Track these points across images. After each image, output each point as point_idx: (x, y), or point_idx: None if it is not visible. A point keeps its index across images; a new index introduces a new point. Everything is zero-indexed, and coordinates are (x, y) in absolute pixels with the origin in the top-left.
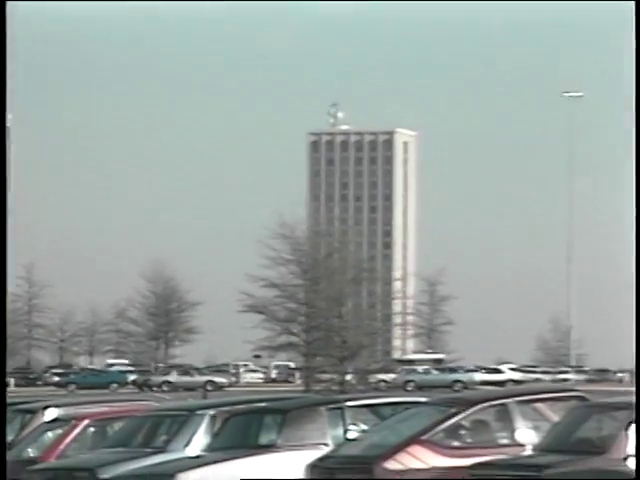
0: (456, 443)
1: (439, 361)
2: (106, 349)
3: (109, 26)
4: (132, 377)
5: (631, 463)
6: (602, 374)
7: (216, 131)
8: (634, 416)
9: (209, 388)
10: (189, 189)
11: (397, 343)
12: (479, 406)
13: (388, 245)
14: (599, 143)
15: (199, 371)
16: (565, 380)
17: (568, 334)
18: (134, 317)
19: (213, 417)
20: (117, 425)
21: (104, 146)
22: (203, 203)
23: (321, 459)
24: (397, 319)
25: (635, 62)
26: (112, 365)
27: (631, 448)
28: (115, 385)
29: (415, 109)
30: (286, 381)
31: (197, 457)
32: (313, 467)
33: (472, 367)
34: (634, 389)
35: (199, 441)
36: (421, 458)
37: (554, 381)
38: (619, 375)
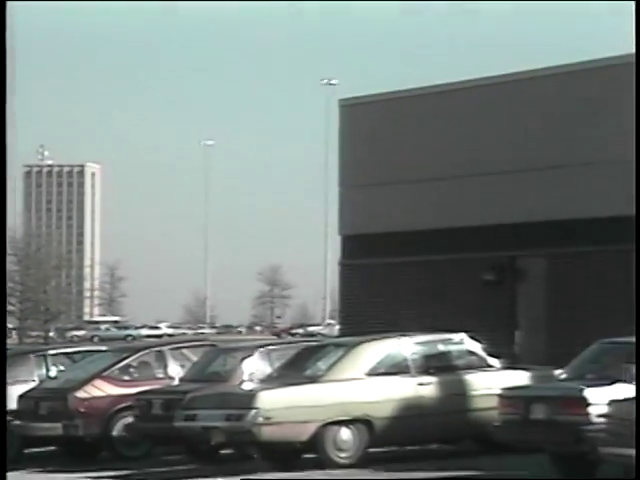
0: (126, 377)
1: (116, 322)
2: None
3: (108, 26)
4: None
5: (246, 386)
6: (227, 328)
7: None
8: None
9: None
10: None
11: (87, 310)
12: (143, 352)
13: (81, 242)
14: None
15: None
16: (202, 333)
17: (204, 301)
18: None
19: None
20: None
21: None
22: None
23: (29, 391)
24: (87, 293)
25: (635, 62)
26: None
27: (245, 377)
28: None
29: (101, 146)
30: None
31: None
32: (22, 397)
33: (139, 325)
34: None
35: None
36: (102, 388)
37: (195, 334)
38: (239, 329)
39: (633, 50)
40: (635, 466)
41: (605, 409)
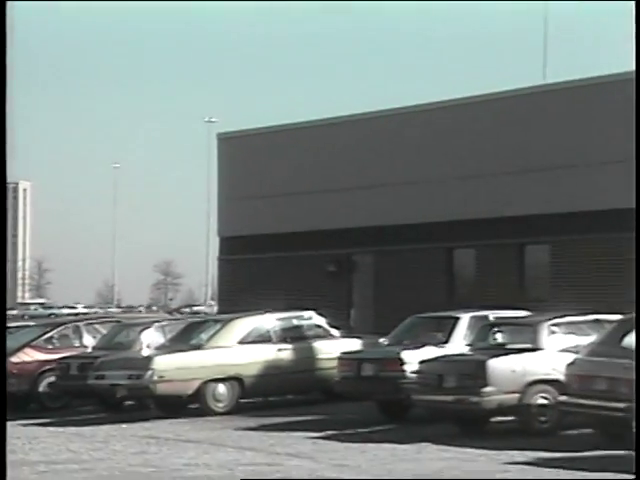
0: (50, 346)
1: (42, 303)
2: None
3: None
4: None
5: (144, 352)
6: (130, 308)
7: None
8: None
9: None
10: None
11: (19, 294)
12: (63, 326)
13: (15, 243)
14: None
15: None
16: (110, 312)
17: (112, 287)
18: None
19: None
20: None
21: None
22: None
23: None
24: (20, 282)
25: (635, 62)
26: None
27: (144, 345)
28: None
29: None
30: None
31: None
32: None
33: (60, 305)
34: None
35: None
36: (30, 355)
37: (104, 312)
38: (139, 309)
39: (633, 50)
40: (635, 466)
41: (416, 367)
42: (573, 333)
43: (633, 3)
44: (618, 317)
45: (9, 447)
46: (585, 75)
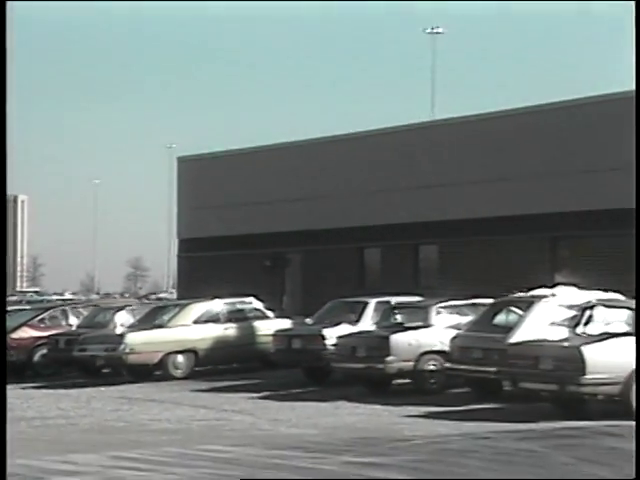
0: (42, 325)
1: (37, 292)
2: None
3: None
4: None
5: (118, 330)
6: (107, 295)
7: None
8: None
9: None
10: None
11: (18, 284)
12: (53, 310)
13: (15, 244)
14: None
15: None
16: (91, 298)
17: (93, 278)
18: None
19: None
20: None
21: None
22: None
23: None
24: (19, 274)
25: (635, 62)
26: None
27: (118, 325)
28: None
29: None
30: None
31: None
32: None
33: (51, 293)
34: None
35: None
36: (27, 332)
37: (86, 299)
38: (114, 296)
39: (633, 50)
40: (635, 466)
41: (334, 341)
42: (456, 314)
43: (633, 3)
44: (490, 301)
45: (9, 406)
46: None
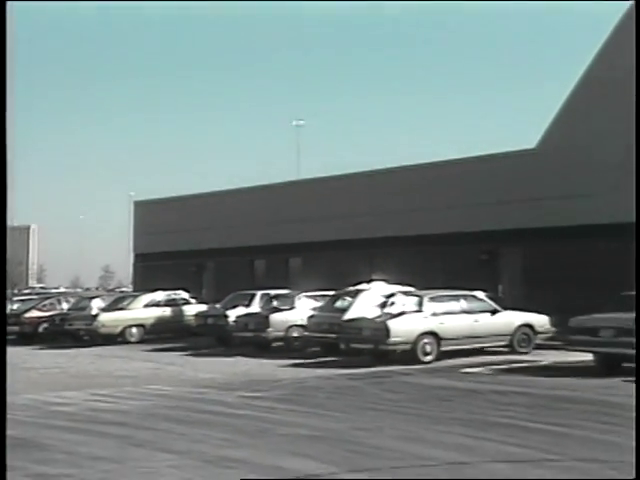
0: (45, 308)
1: (42, 287)
2: None
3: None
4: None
5: (93, 312)
6: (88, 289)
7: None
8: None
9: None
10: None
11: (30, 282)
12: (52, 298)
13: (28, 259)
14: None
15: None
16: (76, 291)
17: (79, 278)
18: None
19: None
20: None
21: None
22: None
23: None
24: (30, 276)
25: (635, 62)
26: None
27: (94, 308)
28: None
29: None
30: None
31: None
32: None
33: (51, 287)
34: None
35: None
36: (34, 313)
37: (74, 291)
38: (92, 289)
39: (633, 50)
40: (635, 466)
41: (234, 318)
42: (312, 300)
43: (633, 3)
44: (332, 292)
45: (21, 359)
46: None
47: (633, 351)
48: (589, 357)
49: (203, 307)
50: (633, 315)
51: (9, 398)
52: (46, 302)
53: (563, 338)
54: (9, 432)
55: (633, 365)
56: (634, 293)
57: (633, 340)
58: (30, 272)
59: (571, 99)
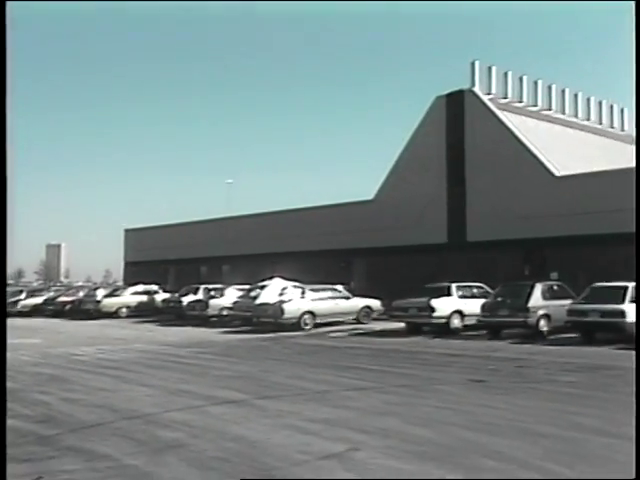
0: (69, 295)
1: (69, 282)
2: None
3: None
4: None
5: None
6: (95, 284)
7: None
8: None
9: None
10: None
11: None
12: (73, 289)
13: (59, 270)
14: None
15: None
16: (75, 287)
17: (90, 277)
18: None
19: None
20: None
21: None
22: None
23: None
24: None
25: (635, 62)
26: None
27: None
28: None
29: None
30: None
31: None
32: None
33: (75, 282)
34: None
35: None
36: (63, 298)
37: (89, 287)
38: (97, 284)
39: (633, 50)
40: (635, 466)
41: (187, 303)
42: (238, 291)
43: (633, 3)
44: (248, 286)
45: (55, 328)
46: None
47: (429, 320)
48: (402, 325)
49: (167, 295)
50: (426, 299)
51: (50, 351)
52: (69, 291)
53: (389, 314)
54: (50, 372)
55: (430, 328)
56: (433, 286)
57: (428, 314)
58: (61, 272)
59: (395, 165)
